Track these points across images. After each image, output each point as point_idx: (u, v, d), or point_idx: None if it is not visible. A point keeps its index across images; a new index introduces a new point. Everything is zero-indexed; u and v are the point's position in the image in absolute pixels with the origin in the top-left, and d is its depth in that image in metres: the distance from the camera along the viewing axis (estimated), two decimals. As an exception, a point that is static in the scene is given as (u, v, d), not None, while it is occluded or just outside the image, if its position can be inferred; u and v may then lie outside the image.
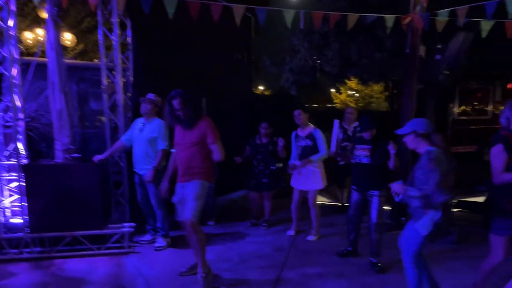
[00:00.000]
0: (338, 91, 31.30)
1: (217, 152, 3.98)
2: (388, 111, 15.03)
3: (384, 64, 9.01)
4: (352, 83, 25.25)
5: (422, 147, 3.37)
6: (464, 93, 12.07)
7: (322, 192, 5.89)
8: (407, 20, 5.83)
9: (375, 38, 9.01)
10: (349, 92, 30.68)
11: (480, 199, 6.22)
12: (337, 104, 30.69)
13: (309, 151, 5.36)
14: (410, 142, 3.41)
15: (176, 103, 3.90)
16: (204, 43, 7.15)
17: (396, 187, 3.36)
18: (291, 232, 5.72)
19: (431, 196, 3.22)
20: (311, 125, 5.48)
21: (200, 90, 7.14)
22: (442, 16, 5.61)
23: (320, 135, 5.35)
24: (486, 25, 5.54)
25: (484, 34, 5.70)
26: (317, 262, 4.76)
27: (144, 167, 4.93)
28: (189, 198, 3.94)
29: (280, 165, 5.97)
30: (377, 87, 27.13)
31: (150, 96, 5.03)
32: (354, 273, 4.46)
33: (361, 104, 28.25)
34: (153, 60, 5.93)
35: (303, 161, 5.33)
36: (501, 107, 12.84)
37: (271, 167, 5.94)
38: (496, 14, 5.37)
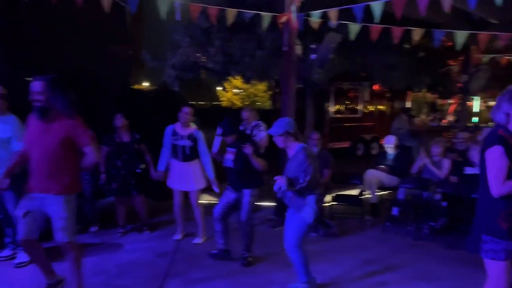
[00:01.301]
0: (224, 89, 31.54)
1: (92, 156, 3.43)
2: (271, 109, 15.52)
3: (265, 63, 9.17)
4: (237, 81, 25.62)
5: (292, 145, 3.63)
6: (338, 93, 12.96)
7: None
8: (283, 19, 5.96)
9: (257, 36, 9.13)
10: (234, 90, 31.12)
11: (355, 191, 6.61)
12: (224, 102, 31.02)
13: (190, 152, 5.18)
14: (282, 141, 3.63)
15: (37, 85, 3.27)
16: (74, 33, 6.52)
17: (280, 181, 3.47)
18: (178, 236, 5.46)
19: (308, 188, 3.49)
20: (193, 125, 5.29)
21: (68, 83, 6.52)
22: (315, 17, 5.83)
23: (201, 137, 5.20)
24: (354, 28, 5.89)
25: (352, 36, 6.07)
26: (203, 265, 4.59)
27: (-3, 173, 4.24)
28: (59, 215, 3.35)
29: (143, 166, 5.58)
30: (261, 86, 27.91)
31: (-3, 89, 4.34)
32: (240, 273, 4.38)
33: (246, 102, 28.83)
34: (13, 49, 5.18)
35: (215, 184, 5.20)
36: (370, 107, 14.14)
37: (137, 169, 5.54)
38: (364, 18, 5.75)
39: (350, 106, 13.57)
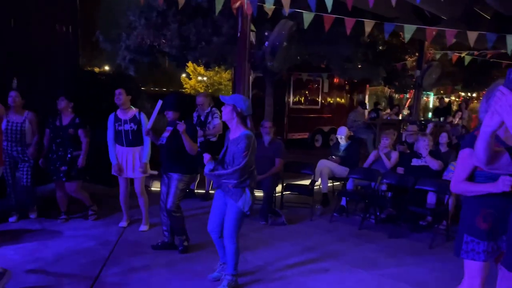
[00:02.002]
0: (188, 76, 31.18)
1: None
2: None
3: (221, 49, 9.05)
4: (201, 69, 25.33)
5: (237, 127, 3.49)
6: (297, 84, 13.01)
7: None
8: (237, 4, 5.87)
9: (213, 22, 8.98)
10: (199, 78, 30.79)
11: (307, 181, 6.66)
12: (187, 90, 30.60)
13: (135, 136, 5.02)
14: (226, 113, 3.47)
15: None
16: (17, 12, 6.18)
17: (206, 157, 3.52)
18: (123, 224, 5.33)
19: (242, 176, 3.40)
20: (134, 108, 5.13)
21: (10, 65, 6.20)
22: (269, 3, 5.78)
23: (145, 119, 5.01)
24: (308, 17, 5.88)
25: (306, 25, 6.05)
26: (145, 253, 4.50)
27: None
28: None
29: (79, 152, 5.30)
30: (225, 74, 27.72)
31: None
32: (182, 261, 4.32)
33: (210, 90, 28.59)
34: None
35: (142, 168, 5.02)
36: (329, 99, 14.31)
37: (69, 154, 5.27)
38: (319, 8, 5.75)
39: (309, 97, 13.66)
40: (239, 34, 6.42)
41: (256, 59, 6.59)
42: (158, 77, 34.78)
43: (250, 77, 13.26)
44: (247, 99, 3.52)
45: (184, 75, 31.99)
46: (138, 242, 4.81)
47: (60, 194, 5.44)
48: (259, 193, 6.05)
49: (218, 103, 5.21)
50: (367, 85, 14.84)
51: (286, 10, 5.81)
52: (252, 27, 6.69)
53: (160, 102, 4.41)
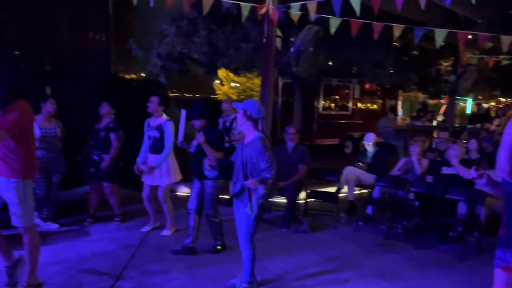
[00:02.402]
0: (221, 83, 31.50)
1: None
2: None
3: (249, 55, 9.08)
4: (231, 74, 25.51)
5: (249, 129, 3.54)
6: (327, 89, 12.85)
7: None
8: (263, 10, 5.87)
9: (243, 28, 9.03)
10: (232, 84, 31.04)
11: (332, 188, 6.54)
12: (219, 96, 30.89)
13: (157, 144, 5.08)
14: (239, 118, 3.56)
15: None
16: (51, 20, 6.41)
17: (249, 183, 3.37)
18: (146, 228, 5.39)
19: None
20: (164, 116, 5.20)
21: (42, 73, 6.42)
22: (295, 9, 5.74)
23: (169, 129, 5.03)
24: (334, 22, 5.80)
25: (332, 30, 5.97)
26: (166, 258, 4.52)
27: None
28: (13, 201, 3.35)
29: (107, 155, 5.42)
30: (257, 80, 27.80)
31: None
32: (201, 266, 4.31)
33: (242, 97, 28.73)
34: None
35: (147, 166, 5.09)
36: (360, 104, 14.07)
37: (102, 155, 5.42)
38: (347, 13, 5.66)
39: (340, 103, 13.46)
40: (265, 40, 6.41)
41: (281, 64, 6.57)
42: (191, 84, 35.40)
43: (279, 83, 13.36)
44: (257, 103, 3.53)
45: (217, 81, 32.35)
46: (159, 247, 4.84)
47: (92, 195, 5.61)
48: (281, 200, 6.00)
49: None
50: (400, 91, 14.48)
51: (312, 16, 5.76)
52: (279, 33, 6.67)
53: (183, 112, 4.49)
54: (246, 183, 3.36)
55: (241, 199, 3.45)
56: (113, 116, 5.53)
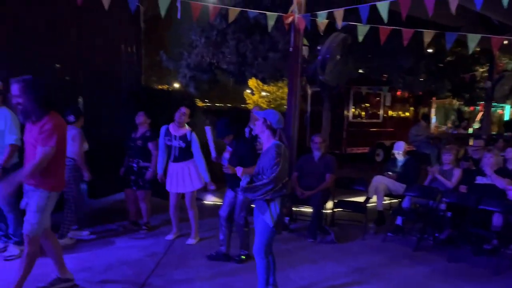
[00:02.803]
0: (252, 92, 31.71)
1: (38, 158, 3.31)
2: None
3: (277, 64, 9.07)
4: (262, 84, 25.61)
5: (268, 140, 3.49)
6: (357, 97, 12.67)
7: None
8: (289, 19, 5.84)
9: (270, 38, 9.05)
10: (262, 93, 31.16)
11: (361, 198, 6.39)
12: (249, 105, 31.06)
13: (183, 153, 5.16)
14: (258, 126, 3.53)
15: (15, 89, 3.34)
16: (83, 32, 6.61)
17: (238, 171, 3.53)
18: (170, 237, 5.43)
19: (273, 189, 3.32)
20: (187, 127, 5.26)
21: (75, 84, 6.61)
22: (321, 17, 5.69)
23: (196, 139, 5.17)
24: (362, 29, 5.71)
25: (360, 38, 5.87)
26: (190, 266, 4.53)
27: (-12, 165, 4.32)
28: (31, 208, 3.44)
29: (147, 164, 5.57)
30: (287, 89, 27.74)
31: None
32: (225, 276, 4.29)
33: (272, 106, 28.77)
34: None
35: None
36: (391, 112, 13.79)
37: (140, 163, 5.58)
38: (375, 20, 5.56)
39: (370, 111, 13.24)
40: (291, 48, 6.37)
41: (308, 73, 6.51)
42: (222, 93, 35.78)
43: (308, 92, 13.28)
44: (278, 113, 3.50)
45: (248, 91, 32.57)
46: (185, 255, 4.86)
47: (129, 203, 5.77)
48: (308, 209, 5.92)
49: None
50: (433, 98, 14.09)
51: (339, 23, 5.68)
52: (305, 42, 6.62)
53: (208, 129, 4.61)
54: (236, 169, 3.50)
55: (259, 206, 3.41)
56: (148, 125, 5.65)
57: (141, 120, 5.64)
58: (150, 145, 5.51)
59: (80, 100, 6.67)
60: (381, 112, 13.37)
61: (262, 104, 29.79)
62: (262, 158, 3.45)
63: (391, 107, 13.53)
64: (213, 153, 4.67)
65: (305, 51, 6.57)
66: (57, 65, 6.24)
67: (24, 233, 3.44)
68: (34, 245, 3.47)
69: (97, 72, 7.04)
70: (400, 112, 13.84)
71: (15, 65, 5.09)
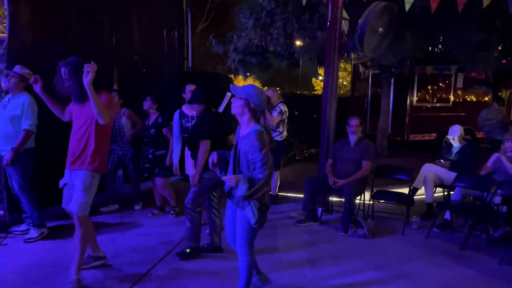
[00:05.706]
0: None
1: (100, 115, 3.31)
2: (349, 96, 14.55)
3: (324, 44, 8.45)
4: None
5: (248, 122, 2.96)
6: (422, 79, 11.56)
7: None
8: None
9: (320, 16, 8.45)
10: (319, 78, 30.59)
11: (405, 190, 5.71)
12: (318, 91, 30.33)
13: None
14: (237, 107, 2.94)
15: (63, 71, 3.38)
16: (121, 16, 6.60)
17: (226, 179, 2.84)
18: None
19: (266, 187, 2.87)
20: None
21: (113, 69, 6.60)
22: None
23: None
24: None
25: (407, 7, 5.17)
26: (200, 256, 4.26)
27: (4, 149, 4.37)
28: (77, 188, 3.48)
29: (163, 151, 5.43)
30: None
31: (16, 68, 4.46)
32: (231, 269, 3.96)
33: (341, 92, 27.78)
34: (41, 32, 5.26)
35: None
36: (464, 95, 12.42)
37: (156, 153, 5.47)
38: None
39: (438, 94, 12.04)
40: (328, 23, 5.81)
41: (347, 49, 5.92)
42: (290, 81, 35.38)
43: (369, 74, 12.42)
44: (263, 93, 2.96)
45: (320, 78, 31.92)
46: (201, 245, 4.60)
47: (154, 190, 5.73)
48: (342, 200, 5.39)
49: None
50: (513, 78, 12.49)
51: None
52: (345, 15, 6.02)
53: (228, 95, 4.37)
54: (224, 179, 2.84)
55: (237, 202, 2.94)
56: (155, 110, 5.49)
57: (148, 106, 5.50)
58: (165, 131, 5.40)
59: (115, 85, 6.66)
60: (451, 95, 12.12)
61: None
62: (240, 144, 2.92)
63: (464, 90, 12.20)
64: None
65: (345, 25, 5.98)
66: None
67: (73, 212, 3.48)
68: (85, 225, 3.56)
69: (140, 57, 7.04)
70: (474, 95, 12.45)
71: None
